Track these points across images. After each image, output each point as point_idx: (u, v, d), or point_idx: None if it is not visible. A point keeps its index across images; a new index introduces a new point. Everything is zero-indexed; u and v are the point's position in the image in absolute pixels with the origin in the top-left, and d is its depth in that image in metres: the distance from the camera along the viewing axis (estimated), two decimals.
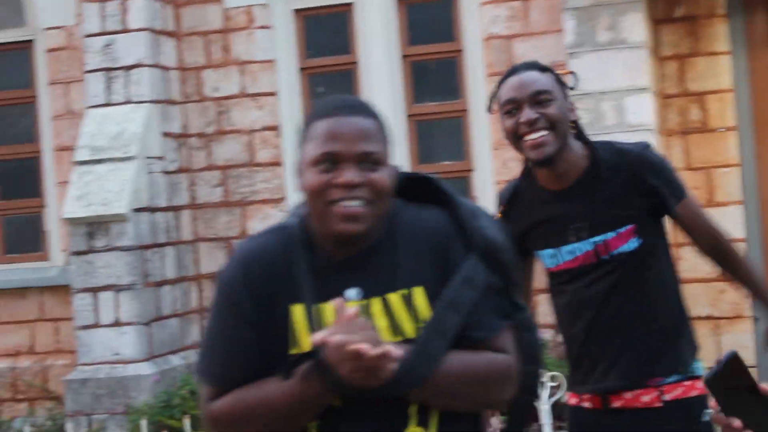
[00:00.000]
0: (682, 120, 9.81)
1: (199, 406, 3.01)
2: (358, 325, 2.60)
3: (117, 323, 9.89)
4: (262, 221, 10.20)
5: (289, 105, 10.40)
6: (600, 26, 9.05)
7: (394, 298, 2.78)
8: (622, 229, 3.84)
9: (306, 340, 2.73)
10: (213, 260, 10.35)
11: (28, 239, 10.99)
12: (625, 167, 3.86)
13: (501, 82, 3.87)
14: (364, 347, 2.54)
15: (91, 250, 9.94)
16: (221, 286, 2.84)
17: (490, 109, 4.03)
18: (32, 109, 11.08)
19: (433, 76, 10.53)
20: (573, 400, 4.03)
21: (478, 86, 10.13)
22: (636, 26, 9.11)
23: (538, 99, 3.74)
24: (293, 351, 2.74)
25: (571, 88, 4.03)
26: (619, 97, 8.84)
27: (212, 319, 2.88)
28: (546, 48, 9.69)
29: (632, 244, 3.85)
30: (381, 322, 2.74)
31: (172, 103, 10.61)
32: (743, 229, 9.29)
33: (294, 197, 10.10)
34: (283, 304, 2.77)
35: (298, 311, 2.76)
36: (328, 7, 10.60)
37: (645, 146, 3.97)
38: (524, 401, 3.03)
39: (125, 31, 10.25)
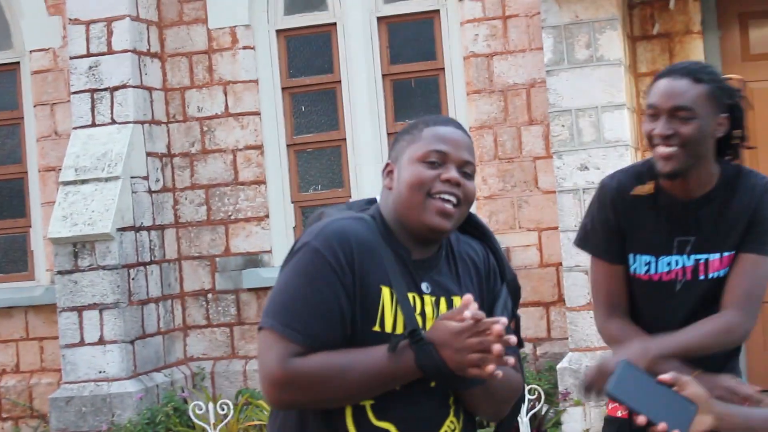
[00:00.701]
0: None
1: (266, 367, 2.95)
2: (498, 330, 2.78)
3: (102, 341, 9.94)
4: (245, 239, 10.29)
5: (272, 124, 10.48)
6: (578, 44, 9.12)
7: (457, 301, 2.97)
8: (727, 254, 3.77)
9: (389, 321, 2.90)
10: (197, 278, 10.40)
11: (13, 259, 10.99)
12: (748, 198, 3.76)
13: (657, 78, 3.77)
14: (497, 341, 2.75)
15: (76, 270, 9.99)
16: (315, 253, 2.89)
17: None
18: (18, 130, 11.13)
19: (414, 94, 10.60)
20: (620, 412, 3.89)
21: (458, 104, 10.25)
22: (613, 44, 9.16)
23: (676, 114, 3.63)
24: (375, 328, 2.89)
25: (737, 101, 3.74)
26: (597, 113, 8.87)
27: (302, 281, 2.91)
28: (525, 65, 9.83)
29: (726, 270, 3.79)
30: None
31: (157, 123, 10.69)
32: None
33: (277, 214, 10.34)
34: (375, 284, 2.90)
35: (386, 293, 2.91)
36: (311, 27, 10.70)
37: None
38: (512, 418, 3.25)
39: (110, 52, 10.37)
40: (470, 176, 3.03)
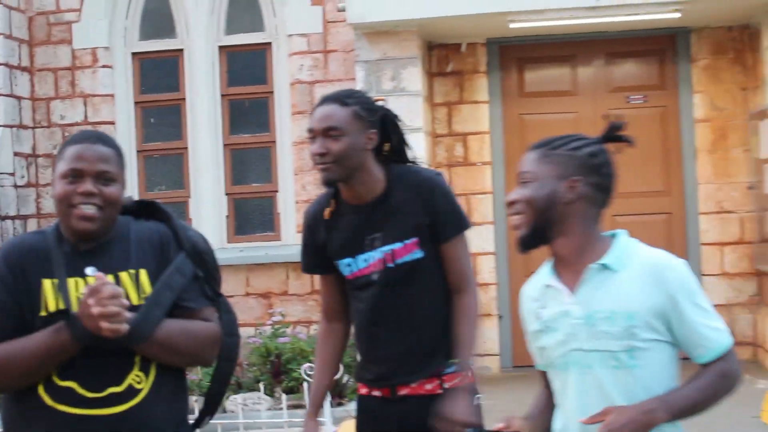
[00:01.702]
0: (448, 155, 10.78)
1: None
2: (109, 291, 3.08)
3: None
4: None
5: (126, 133, 11.01)
6: (385, 77, 9.99)
7: (124, 276, 3.27)
8: (408, 241, 3.92)
9: (52, 304, 3.23)
10: None
11: None
12: (417, 186, 3.92)
13: (315, 107, 3.94)
14: (110, 302, 3.06)
15: None
16: None
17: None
18: None
19: (248, 113, 11.21)
20: (363, 390, 4.10)
21: (284, 122, 10.94)
22: (414, 78, 10.01)
23: (329, 134, 3.81)
24: (42, 313, 3.22)
25: (384, 117, 3.98)
26: None
27: None
28: None
29: (416, 254, 3.93)
30: None
31: (24, 127, 11.09)
32: (494, 243, 10.55)
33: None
34: (36, 279, 3.24)
35: (47, 284, 3.24)
36: (162, 51, 11.21)
37: (437, 173, 4.07)
38: (227, 367, 3.53)
39: None
40: (109, 181, 3.25)
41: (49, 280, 3.23)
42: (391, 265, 3.92)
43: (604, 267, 3.04)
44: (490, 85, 10.90)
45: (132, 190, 11.07)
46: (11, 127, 10.89)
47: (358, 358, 4.14)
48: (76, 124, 11.17)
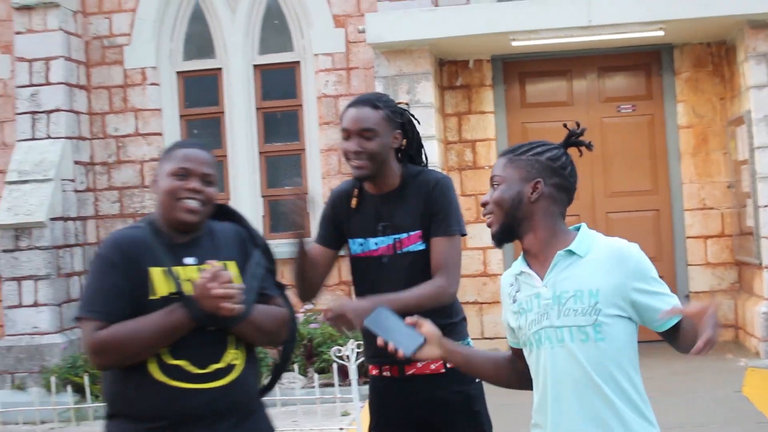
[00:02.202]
0: (459, 160, 11.15)
1: (84, 341, 3.35)
2: (227, 276, 3.23)
3: (36, 304, 10.65)
4: None
5: (172, 142, 11.20)
6: (401, 90, 10.40)
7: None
8: (413, 232, 4.04)
9: (161, 289, 3.32)
10: None
11: None
12: (425, 184, 4.03)
13: (346, 108, 4.05)
14: (227, 286, 3.20)
15: (16, 249, 10.67)
16: (101, 255, 3.40)
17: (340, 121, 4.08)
18: None
19: (280, 124, 11.66)
20: (374, 371, 4.17)
21: (312, 132, 11.43)
22: (427, 91, 10.38)
23: (363, 134, 3.95)
24: (151, 297, 3.32)
25: (405, 118, 4.10)
26: None
27: (92, 277, 3.39)
28: None
29: (418, 246, 4.05)
30: None
31: (83, 139, 11.57)
32: None
33: None
34: (144, 267, 3.33)
35: (155, 271, 3.34)
36: (203, 70, 11.77)
37: (445, 176, 4.13)
38: (291, 346, 3.73)
39: (48, 84, 11.22)
40: (211, 183, 3.41)
41: (156, 267, 3.33)
42: (399, 252, 4.04)
43: (571, 253, 3.13)
44: (495, 97, 11.34)
45: None
46: (71, 138, 11.35)
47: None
48: (128, 135, 11.75)
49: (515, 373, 3.34)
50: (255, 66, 11.76)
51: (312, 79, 11.52)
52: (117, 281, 3.31)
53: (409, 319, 3.21)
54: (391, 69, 10.50)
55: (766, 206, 10.20)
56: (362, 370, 8.69)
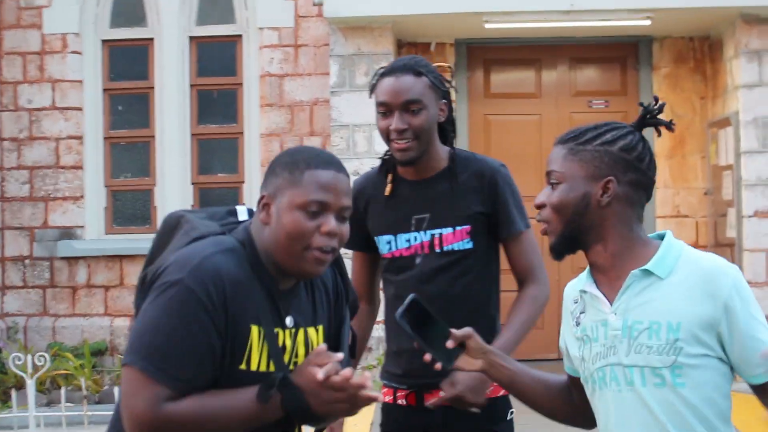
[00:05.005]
0: None
1: (136, 405, 2.59)
2: (339, 381, 2.57)
3: None
4: (62, 215, 10.83)
5: (93, 119, 11.02)
6: (359, 71, 10.08)
7: (312, 332, 2.81)
8: (460, 228, 3.66)
9: (255, 359, 2.66)
10: (17, 246, 10.90)
11: None
12: (482, 174, 3.68)
13: (379, 76, 3.67)
14: (369, 391, 2.58)
15: None
16: (190, 292, 2.60)
17: (371, 95, 3.71)
18: None
19: (216, 103, 11.28)
20: (388, 398, 3.81)
21: (252, 114, 11.01)
22: None
23: (408, 108, 3.55)
24: (242, 367, 2.65)
25: (449, 83, 3.73)
26: (370, 129, 9.77)
27: (175, 322, 2.60)
28: (311, 86, 10.68)
29: (466, 244, 3.67)
30: (301, 350, 2.76)
31: None
32: None
33: (91, 196, 10.84)
34: (245, 323, 2.65)
35: (255, 332, 2.66)
36: (132, 40, 11.22)
37: (502, 164, 3.78)
38: None
39: None
40: (346, 218, 2.74)
41: (257, 326, 2.67)
42: (438, 250, 3.66)
43: (648, 273, 2.67)
44: (457, 84, 10.97)
45: (98, 176, 11.12)
46: None
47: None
48: (44, 108, 11.19)
49: (569, 405, 2.94)
50: (191, 38, 11.23)
51: (255, 56, 11.07)
52: (209, 338, 2.59)
53: (455, 332, 2.83)
54: (349, 47, 10.18)
55: (751, 216, 9.95)
56: None
